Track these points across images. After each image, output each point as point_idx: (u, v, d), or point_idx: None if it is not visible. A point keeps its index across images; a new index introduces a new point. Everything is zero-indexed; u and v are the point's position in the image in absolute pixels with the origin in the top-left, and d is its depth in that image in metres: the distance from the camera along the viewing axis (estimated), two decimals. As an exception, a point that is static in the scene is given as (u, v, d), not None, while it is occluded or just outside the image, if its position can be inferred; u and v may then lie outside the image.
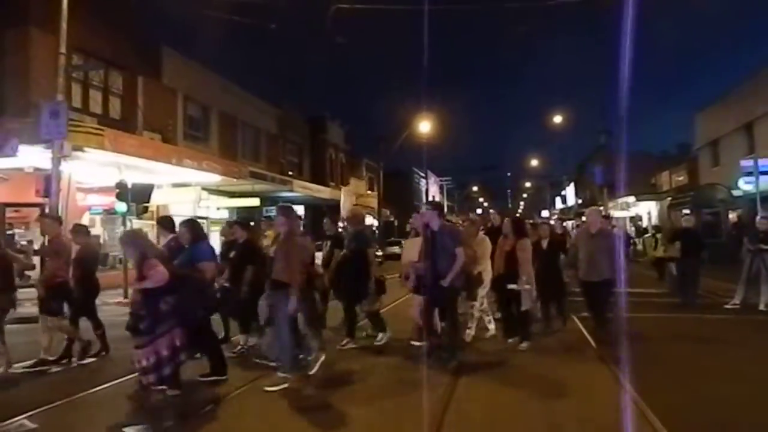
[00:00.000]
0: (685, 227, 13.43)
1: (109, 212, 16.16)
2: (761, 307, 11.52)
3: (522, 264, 8.35)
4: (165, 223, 7.90)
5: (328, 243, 9.82)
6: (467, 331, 8.99)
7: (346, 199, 17.98)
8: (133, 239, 6.42)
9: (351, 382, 6.97)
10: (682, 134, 56.94)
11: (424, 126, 34.05)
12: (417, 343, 8.24)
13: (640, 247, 23.30)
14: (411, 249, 8.33)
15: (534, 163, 68.99)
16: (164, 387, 5.99)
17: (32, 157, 13.11)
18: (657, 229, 19.68)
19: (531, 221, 13.54)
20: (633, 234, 24.65)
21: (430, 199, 58.11)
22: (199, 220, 8.84)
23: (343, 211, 15.91)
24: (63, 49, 12.92)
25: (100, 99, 18.49)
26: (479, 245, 9.08)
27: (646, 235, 23.29)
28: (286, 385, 6.49)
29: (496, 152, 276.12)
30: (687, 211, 27.58)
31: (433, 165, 67.78)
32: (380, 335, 8.91)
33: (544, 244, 10.06)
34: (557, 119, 39.28)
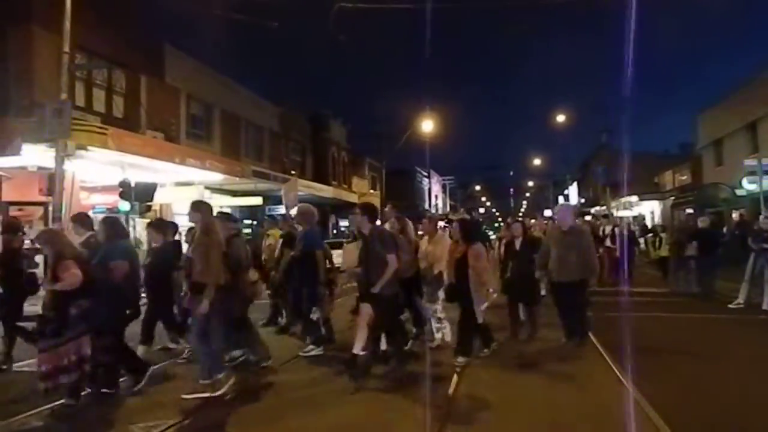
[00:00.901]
0: (702, 227, 14.27)
1: (113, 211, 16.18)
2: (764, 306, 11.51)
3: (478, 274, 7.61)
4: (81, 219, 7.25)
5: (280, 242, 9.37)
6: (436, 335, 8.56)
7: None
8: (50, 238, 6.09)
9: (258, 399, 6.37)
10: (685, 133, 56.81)
11: (427, 125, 34.05)
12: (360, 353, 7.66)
13: (643, 246, 23.23)
14: (351, 254, 7.83)
15: (537, 162, 68.80)
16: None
17: (36, 155, 13.13)
18: (662, 228, 19.66)
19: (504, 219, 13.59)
20: (637, 233, 24.59)
21: (432, 199, 58.21)
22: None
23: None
24: (66, 48, 12.92)
25: (103, 98, 18.49)
26: (437, 244, 8.65)
27: (648, 235, 23.27)
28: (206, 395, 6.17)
29: (499, 151, 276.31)
30: (690, 210, 27.69)
31: (435, 164, 67.84)
32: (311, 347, 8.32)
33: (518, 244, 9.44)
34: (560, 118, 39.23)
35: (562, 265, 8.48)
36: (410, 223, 10.22)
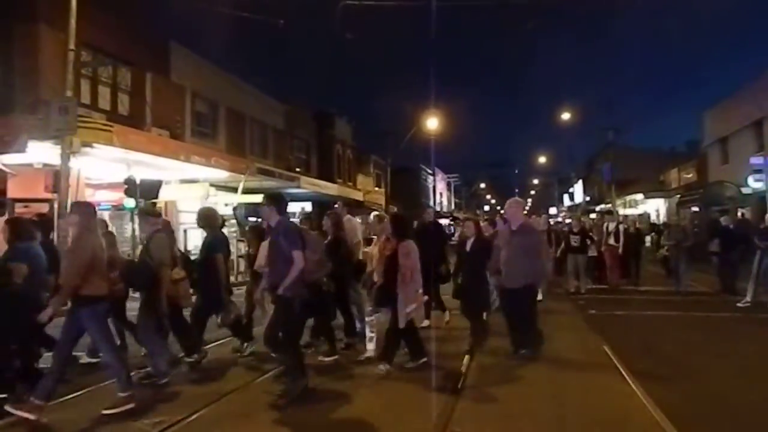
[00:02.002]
0: (724, 226, 14.58)
1: (118, 208, 16.22)
2: (771, 304, 11.49)
3: (404, 273, 7.00)
4: None
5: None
6: (369, 346, 7.87)
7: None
8: None
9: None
10: (691, 131, 56.67)
11: (432, 123, 33.97)
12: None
13: (648, 244, 23.18)
14: (263, 252, 7.15)
15: (542, 159, 68.71)
16: None
17: (41, 152, 13.15)
18: (666, 226, 19.56)
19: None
20: (645, 231, 24.48)
21: (437, 197, 58.14)
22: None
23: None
24: (72, 46, 12.94)
25: (108, 95, 18.52)
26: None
27: (652, 234, 23.21)
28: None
29: (504, 149, 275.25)
30: (696, 209, 27.59)
31: (440, 162, 67.66)
32: (245, 345, 8.16)
33: (469, 245, 8.57)
34: (566, 116, 39.11)
35: (508, 268, 7.77)
36: (353, 221, 9.75)
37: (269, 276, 6.38)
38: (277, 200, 6.42)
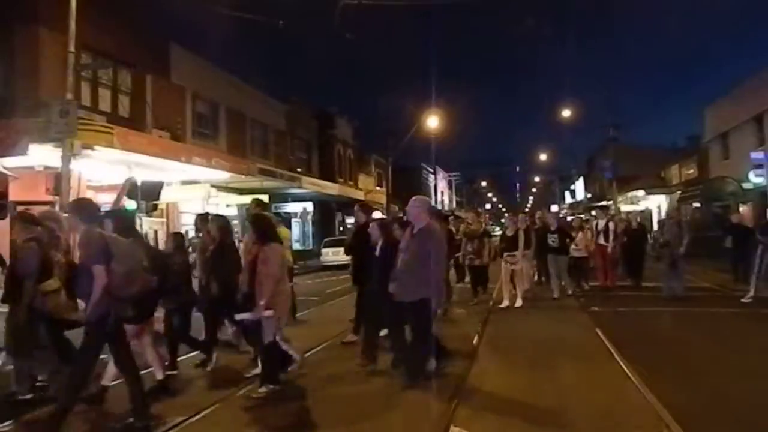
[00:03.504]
0: (734, 223, 14.94)
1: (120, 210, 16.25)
2: (773, 300, 11.47)
3: (262, 281, 6.20)
4: None
5: None
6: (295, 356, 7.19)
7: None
8: None
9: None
10: (691, 127, 56.58)
11: (433, 121, 33.94)
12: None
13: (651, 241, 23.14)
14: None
15: (543, 157, 68.45)
16: None
17: (42, 155, 13.17)
18: (661, 221, 19.46)
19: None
20: (652, 227, 24.32)
21: (439, 196, 58.05)
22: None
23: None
24: (72, 48, 12.96)
25: (109, 97, 18.56)
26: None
27: (654, 230, 23.13)
28: None
29: (505, 147, 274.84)
30: (697, 204, 27.52)
31: (441, 160, 67.45)
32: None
33: (378, 250, 7.51)
34: (566, 113, 39.03)
35: (401, 277, 6.63)
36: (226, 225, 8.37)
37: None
38: (80, 208, 5.51)
